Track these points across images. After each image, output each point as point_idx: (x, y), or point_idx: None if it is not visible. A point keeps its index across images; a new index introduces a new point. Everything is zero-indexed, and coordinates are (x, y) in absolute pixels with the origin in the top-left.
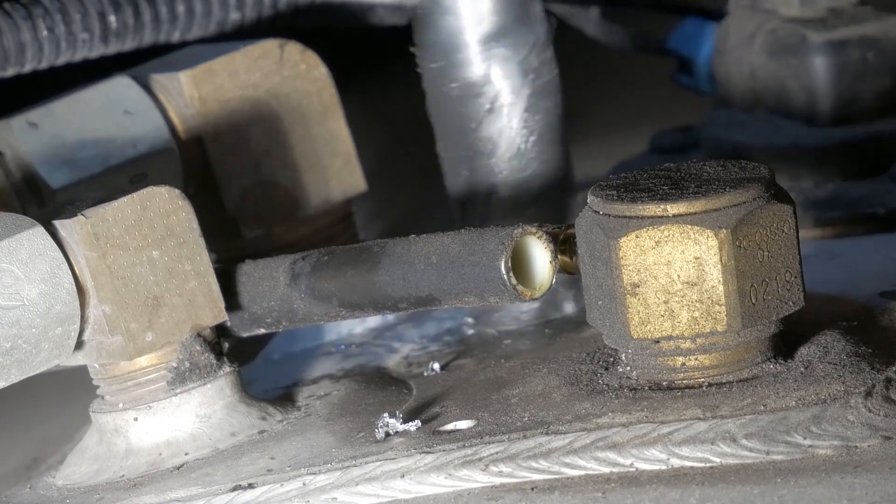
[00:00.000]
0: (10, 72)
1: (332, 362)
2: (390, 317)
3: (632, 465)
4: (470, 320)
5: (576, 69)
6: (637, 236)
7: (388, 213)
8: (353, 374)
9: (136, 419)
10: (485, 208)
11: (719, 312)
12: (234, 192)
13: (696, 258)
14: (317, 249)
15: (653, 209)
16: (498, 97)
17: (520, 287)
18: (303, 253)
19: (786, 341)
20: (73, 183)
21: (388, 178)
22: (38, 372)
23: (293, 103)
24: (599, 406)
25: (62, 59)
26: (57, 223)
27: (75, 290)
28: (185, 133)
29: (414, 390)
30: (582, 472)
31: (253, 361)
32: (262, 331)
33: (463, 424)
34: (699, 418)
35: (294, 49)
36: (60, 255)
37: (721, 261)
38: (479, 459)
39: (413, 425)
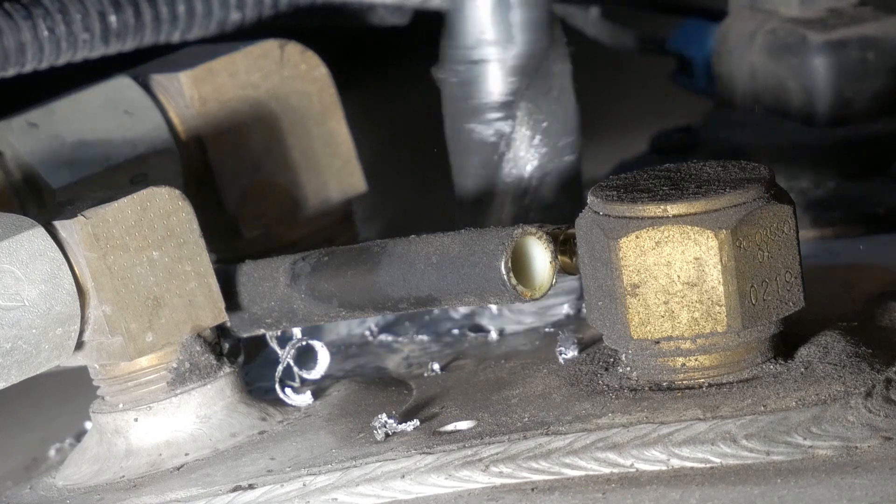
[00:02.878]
0: (11, 72)
1: (331, 363)
2: (390, 317)
3: (632, 465)
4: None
5: (576, 69)
6: (637, 237)
7: (387, 213)
8: (353, 374)
9: (136, 420)
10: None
11: (719, 313)
12: (234, 193)
13: (696, 259)
14: (317, 250)
15: (653, 210)
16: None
17: (520, 287)
18: (303, 253)
19: (786, 342)
20: (74, 183)
21: (388, 178)
22: (38, 372)
23: (293, 104)
24: (600, 407)
25: (63, 60)
26: (57, 224)
27: (75, 290)
28: (185, 133)
29: (414, 391)
30: (582, 473)
31: (253, 362)
32: (262, 331)
33: (463, 425)
34: (699, 419)
35: (294, 49)
36: (61, 255)
37: (721, 261)
38: (480, 460)
39: (411, 425)
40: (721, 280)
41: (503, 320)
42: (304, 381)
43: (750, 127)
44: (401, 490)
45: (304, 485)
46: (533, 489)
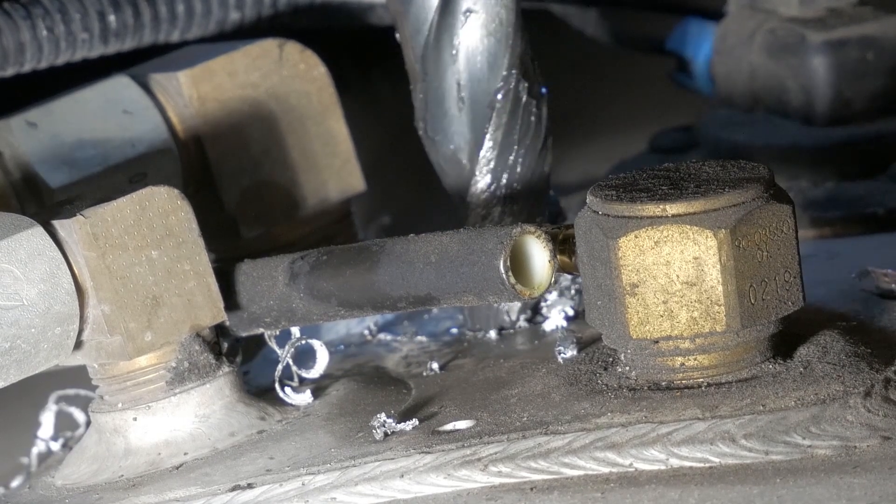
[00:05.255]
0: (10, 72)
1: (331, 362)
2: (389, 316)
3: (631, 465)
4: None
5: (576, 69)
6: (636, 236)
7: (386, 213)
8: (352, 373)
9: (135, 419)
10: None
11: (718, 312)
12: (233, 192)
13: (696, 258)
14: (316, 249)
15: (652, 209)
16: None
17: (518, 286)
18: (302, 252)
19: (785, 341)
20: (73, 183)
21: (387, 177)
22: (37, 372)
23: (292, 103)
24: (598, 406)
25: (62, 59)
26: (56, 223)
27: (74, 290)
28: (184, 133)
29: (413, 390)
30: (581, 473)
31: (252, 361)
32: (261, 330)
33: (462, 424)
34: (698, 418)
35: (293, 49)
36: (59, 255)
37: (720, 261)
38: (479, 459)
39: (410, 424)
40: (720, 279)
41: None
42: (302, 381)
43: (749, 127)
44: (400, 489)
45: (302, 484)
46: (532, 489)
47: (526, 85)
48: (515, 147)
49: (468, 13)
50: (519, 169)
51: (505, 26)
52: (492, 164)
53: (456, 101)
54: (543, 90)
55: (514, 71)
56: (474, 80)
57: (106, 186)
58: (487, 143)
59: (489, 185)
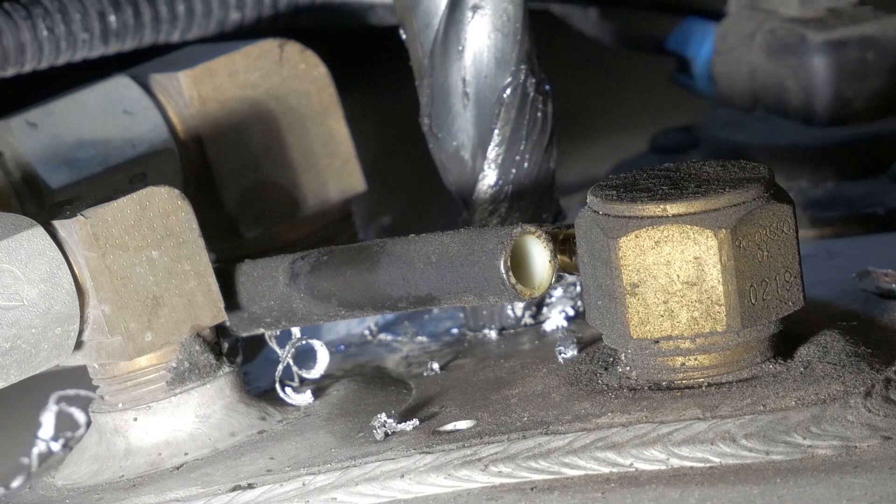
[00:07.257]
0: (10, 72)
1: (331, 362)
2: (390, 316)
3: (631, 465)
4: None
5: (576, 69)
6: (636, 236)
7: (387, 213)
8: (353, 373)
9: (135, 419)
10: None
11: (719, 312)
12: (234, 192)
13: (696, 258)
14: (316, 249)
15: (652, 209)
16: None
17: (519, 286)
18: (302, 252)
19: (785, 341)
20: (73, 183)
21: (388, 177)
22: (37, 372)
23: (292, 103)
24: (599, 406)
25: (62, 59)
26: (56, 223)
27: (75, 290)
28: (184, 133)
29: (413, 390)
30: (581, 473)
31: (253, 361)
32: (262, 331)
33: (462, 424)
34: (699, 418)
35: (293, 49)
36: (60, 255)
37: (720, 261)
38: (479, 459)
39: (410, 424)
40: (720, 279)
41: None
42: (303, 381)
43: (749, 127)
44: (400, 490)
45: (303, 484)
46: (532, 489)
47: (533, 80)
48: (523, 143)
49: (475, 9)
50: (526, 165)
51: (513, 22)
52: (500, 160)
53: (461, 97)
54: (547, 87)
55: (522, 66)
56: (480, 76)
57: (106, 187)
58: (495, 139)
59: (497, 181)
